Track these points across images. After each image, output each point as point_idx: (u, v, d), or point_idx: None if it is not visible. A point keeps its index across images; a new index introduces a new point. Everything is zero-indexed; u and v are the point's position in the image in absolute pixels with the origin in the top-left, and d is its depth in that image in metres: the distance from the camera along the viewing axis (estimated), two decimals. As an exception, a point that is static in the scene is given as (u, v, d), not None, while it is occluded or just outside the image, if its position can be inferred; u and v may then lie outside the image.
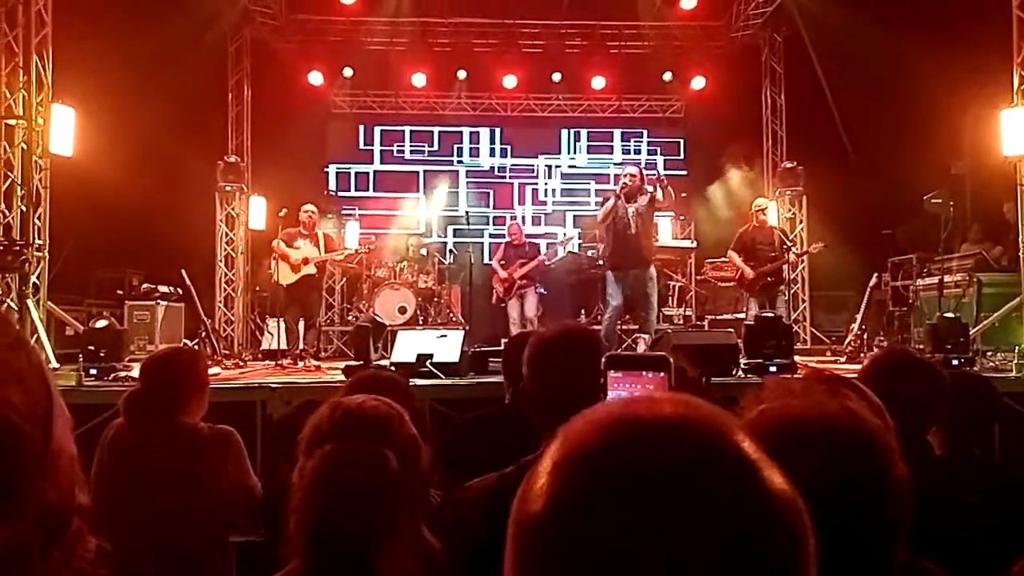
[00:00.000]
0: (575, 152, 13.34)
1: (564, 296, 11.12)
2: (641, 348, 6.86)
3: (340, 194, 12.64)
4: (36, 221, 7.39)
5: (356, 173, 13.06)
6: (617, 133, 13.31)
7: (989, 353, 7.10)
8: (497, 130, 13.20)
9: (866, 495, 0.95)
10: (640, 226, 7.07)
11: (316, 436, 1.43)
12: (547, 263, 9.35)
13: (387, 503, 1.36)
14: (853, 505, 0.94)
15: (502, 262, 9.27)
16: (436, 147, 13.20)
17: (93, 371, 5.77)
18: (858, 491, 0.95)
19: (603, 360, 1.47)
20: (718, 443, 0.56)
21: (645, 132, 13.27)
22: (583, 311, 10.61)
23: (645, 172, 7.35)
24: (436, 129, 13.14)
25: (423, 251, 10.58)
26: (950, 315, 6.76)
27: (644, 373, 1.33)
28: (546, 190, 13.25)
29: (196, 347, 7.48)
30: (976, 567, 1.53)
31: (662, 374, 1.30)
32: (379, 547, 1.35)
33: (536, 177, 13.24)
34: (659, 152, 13.25)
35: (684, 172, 13.01)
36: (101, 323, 6.36)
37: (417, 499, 1.45)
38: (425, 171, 13.09)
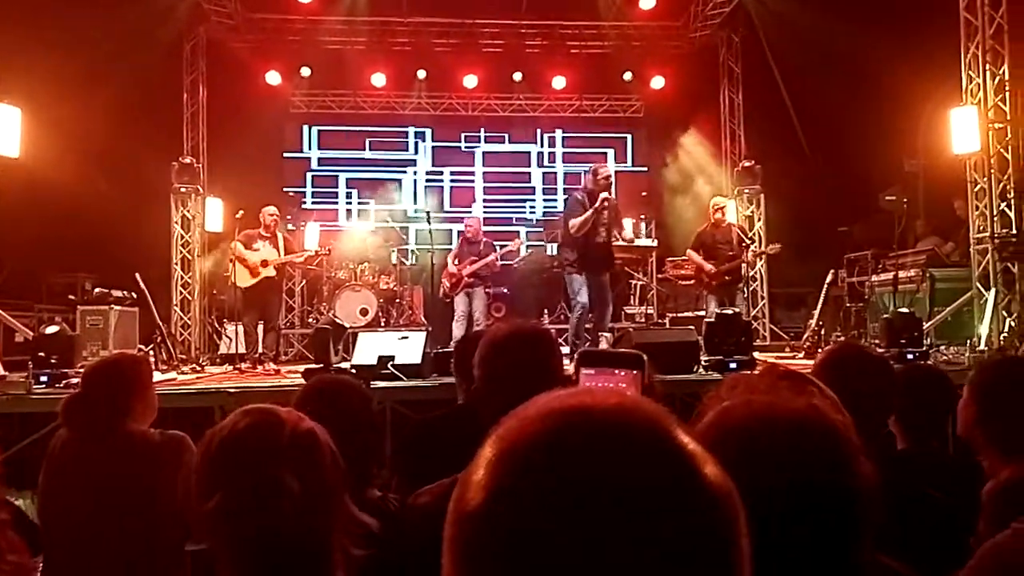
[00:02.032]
0: (539, 149, 13.35)
1: (527, 295, 11.13)
2: (603, 346, 6.88)
3: (301, 197, 12.49)
4: (-18, 225, 7.18)
5: (314, 173, 12.93)
6: (578, 132, 13.34)
7: (943, 347, 7.26)
8: (457, 130, 13.15)
9: (834, 493, 0.94)
10: (607, 234, 7.24)
11: (204, 480, 1.33)
12: (499, 264, 9.10)
13: (307, 517, 1.30)
14: (821, 503, 0.93)
15: (455, 258, 9.05)
16: (396, 146, 13.10)
17: (43, 378, 5.62)
18: (826, 489, 0.94)
19: (576, 356, 1.44)
20: (654, 435, 0.57)
21: (605, 131, 13.33)
22: (546, 310, 10.63)
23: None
24: (396, 128, 13.05)
25: (393, 251, 10.49)
26: (904, 310, 6.89)
27: (617, 371, 1.31)
28: (502, 188, 13.23)
29: (145, 353, 7.31)
30: (941, 562, 1.54)
31: (635, 371, 1.28)
32: (320, 555, 1.32)
33: (497, 176, 13.21)
34: (619, 151, 13.33)
35: (644, 169, 13.12)
36: (52, 329, 6.20)
37: (339, 486, 1.38)
38: (385, 171, 12.99)
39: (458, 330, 8.44)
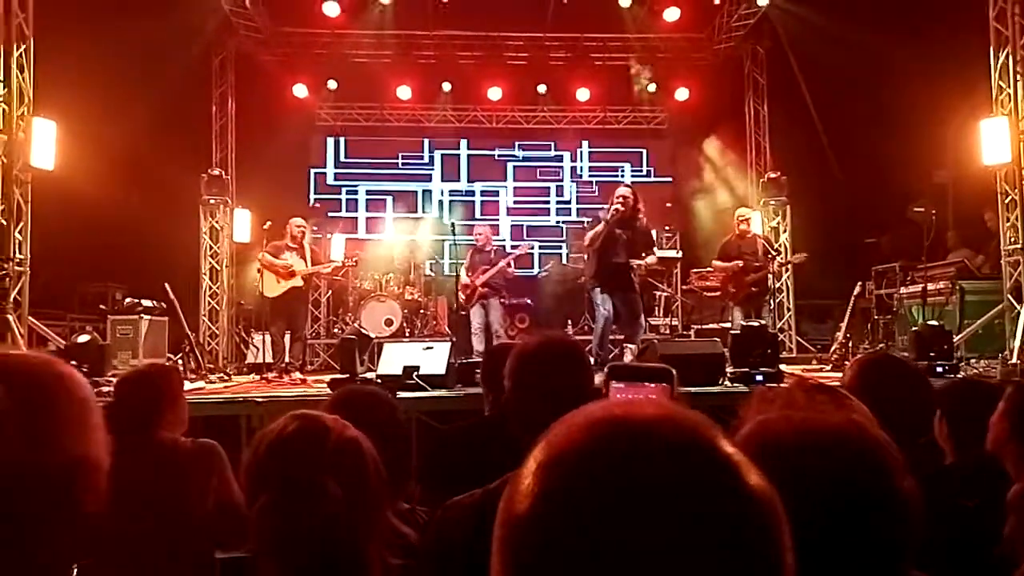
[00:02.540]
0: (571, 164, 13.37)
1: (551, 306, 11.12)
2: (628, 358, 6.85)
3: (328, 209, 12.60)
4: (17, 235, 7.31)
5: (340, 185, 13.04)
6: (602, 144, 13.35)
7: (973, 360, 7.15)
8: (482, 142, 13.21)
9: (875, 508, 0.94)
10: (626, 255, 6.94)
11: (252, 481, 1.38)
12: (512, 271, 8.93)
13: (348, 524, 1.32)
14: (862, 518, 0.93)
15: (468, 269, 8.83)
16: (421, 159, 13.20)
17: (75, 387, 5.68)
18: (867, 504, 0.94)
19: (606, 370, 1.45)
20: (699, 444, 0.58)
21: (629, 143, 13.33)
22: (569, 321, 10.61)
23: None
24: (422, 140, 13.15)
25: (429, 262, 10.54)
26: (934, 323, 6.79)
27: (646, 384, 1.32)
28: (526, 200, 13.26)
29: (174, 362, 7.41)
30: (979, 573, 1.52)
31: (665, 384, 1.29)
32: (359, 562, 1.34)
33: (522, 190, 13.25)
34: (643, 162, 13.32)
35: (669, 180, 13.09)
36: (83, 338, 6.31)
37: (380, 495, 1.41)
38: (410, 183, 13.08)
39: (477, 343, 8.36)
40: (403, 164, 13.13)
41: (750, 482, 0.57)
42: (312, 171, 12.95)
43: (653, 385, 1.20)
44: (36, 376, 0.99)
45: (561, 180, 13.34)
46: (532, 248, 10.09)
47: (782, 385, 1.32)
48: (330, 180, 13.05)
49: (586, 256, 7.43)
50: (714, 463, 0.57)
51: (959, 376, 5.72)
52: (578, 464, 0.57)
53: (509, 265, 8.76)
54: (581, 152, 13.38)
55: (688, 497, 0.54)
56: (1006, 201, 7.57)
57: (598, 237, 6.91)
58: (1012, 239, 7.50)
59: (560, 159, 13.36)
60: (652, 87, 12.52)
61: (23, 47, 7.36)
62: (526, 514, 0.57)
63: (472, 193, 13.22)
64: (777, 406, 1.06)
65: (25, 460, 0.93)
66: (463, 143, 13.21)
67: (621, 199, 6.90)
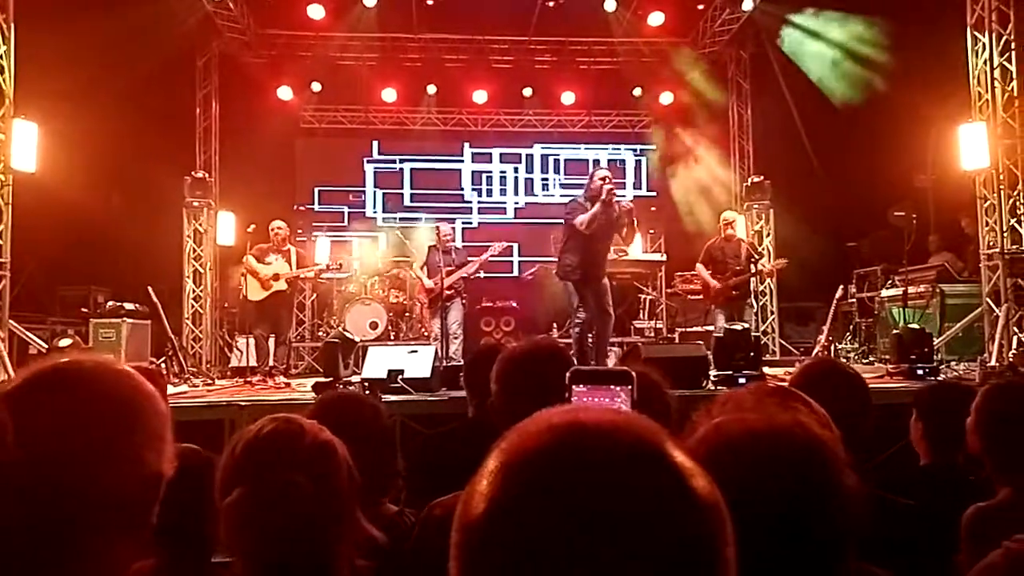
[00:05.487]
0: (546, 168, 13.40)
1: (537, 308, 11.12)
2: (612, 361, 6.86)
3: (316, 208, 12.57)
4: (-3, 238, 7.25)
5: (325, 188, 13.00)
6: (587, 147, 13.39)
7: (953, 362, 7.24)
8: (466, 144, 13.22)
9: (817, 505, 0.97)
10: (607, 240, 6.83)
11: (227, 478, 1.40)
12: (479, 274, 8.78)
13: (317, 521, 1.35)
14: (805, 515, 0.97)
15: (424, 267, 8.55)
16: (407, 161, 13.18)
17: (57, 391, 5.64)
18: (809, 502, 0.97)
19: (567, 375, 1.47)
20: (647, 450, 0.60)
21: (614, 146, 13.38)
22: (555, 324, 10.63)
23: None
24: (406, 143, 13.13)
25: (416, 264, 10.48)
26: (914, 326, 6.87)
27: (608, 387, 1.35)
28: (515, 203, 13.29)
29: (157, 366, 7.36)
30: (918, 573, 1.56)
31: (628, 387, 1.32)
32: (327, 561, 1.36)
33: (505, 190, 13.28)
34: (628, 166, 13.37)
35: (653, 185, 13.14)
36: (65, 342, 6.28)
37: (352, 498, 1.44)
38: (394, 187, 13.07)
39: (441, 348, 7.94)
40: (390, 167, 13.09)
41: (695, 486, 0.59)
42: (295, 173, 12.89)
43: (615, 388, 1.23)
44: (127, 390, 1.00)
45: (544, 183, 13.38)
46: (503, 246, 9.45)
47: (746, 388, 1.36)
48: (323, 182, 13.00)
49: (561, 247, 7.03)
50: (660, 468, 0.59)
51: (938, 379, 5.79)
52: (530, 470, 0.58)
53: (478, 269, 8.58)
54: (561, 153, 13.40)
55: (634, 502, 0.56)
56: (985, 206, 7.67)
57: (595, 219, 6.47)
58: (991, 243, 7.60)
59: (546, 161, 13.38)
60: (637, 91, 12.59)
61: (3, 48, 7.30)
62: (479, 518, 0.58)
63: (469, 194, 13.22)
64: (728, 408, 1.10)
65: (113, 475, 0.94)
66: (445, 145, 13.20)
67: (604, 178, 6.56)
